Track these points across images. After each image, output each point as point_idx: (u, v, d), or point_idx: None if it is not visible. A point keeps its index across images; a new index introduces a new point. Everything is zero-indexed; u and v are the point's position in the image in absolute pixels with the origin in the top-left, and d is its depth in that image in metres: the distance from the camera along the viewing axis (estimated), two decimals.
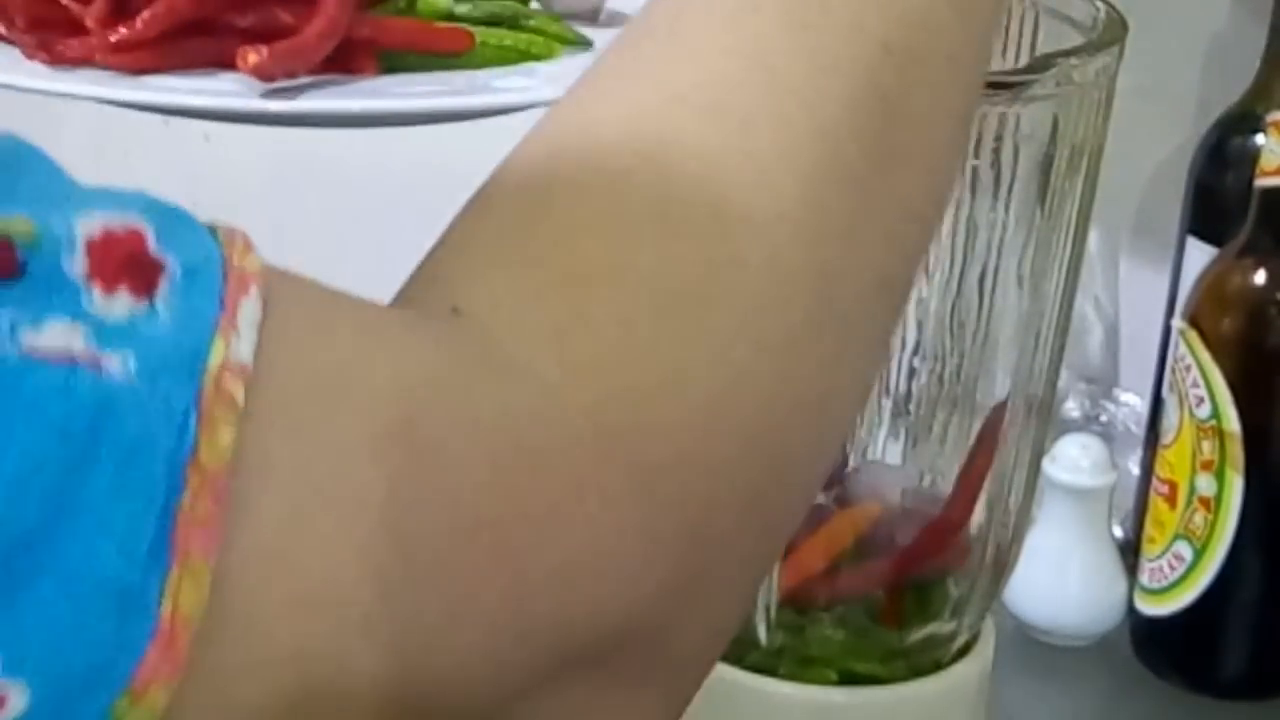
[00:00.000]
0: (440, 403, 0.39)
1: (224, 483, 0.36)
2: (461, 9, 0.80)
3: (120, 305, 0.35)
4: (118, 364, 0.35)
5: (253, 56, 0.70)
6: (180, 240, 0.37)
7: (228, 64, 0.71)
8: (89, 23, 0.73)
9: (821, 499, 0.79)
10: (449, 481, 0.38)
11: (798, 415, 0.43)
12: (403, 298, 0.43)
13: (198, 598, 0.35)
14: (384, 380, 0.39)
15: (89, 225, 0.36)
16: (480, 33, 0.78)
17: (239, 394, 0.36)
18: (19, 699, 0.34)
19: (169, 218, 0.37)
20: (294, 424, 0.37)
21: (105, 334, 0.35)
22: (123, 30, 0.73)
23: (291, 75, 0.72)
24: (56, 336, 0.34)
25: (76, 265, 0.35)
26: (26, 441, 0.34)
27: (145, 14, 0.73)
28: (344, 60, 0.74)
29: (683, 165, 0.42)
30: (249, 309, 0.37)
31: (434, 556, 0.38)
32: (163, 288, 0.36)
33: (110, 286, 0.35)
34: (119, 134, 1.42)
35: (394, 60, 0.76)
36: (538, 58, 0.78)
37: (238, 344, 0.36)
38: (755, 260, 0.41)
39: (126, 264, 0.36)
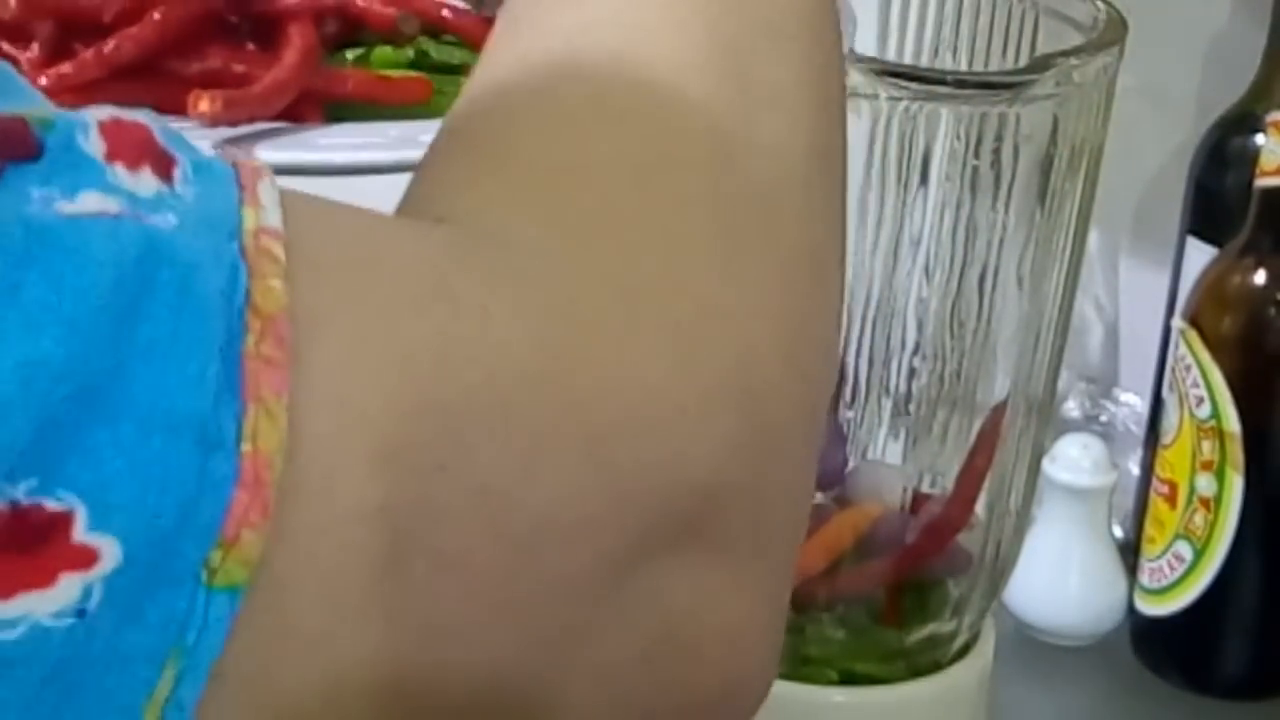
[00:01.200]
0: (470, 266, 0.40)
1: (285, 325, 0.36)
2: (423, 53, 0.79)
3: (146, 182, 0.36)
4: (159, 220, 0.35)
5: (205, 103, 0.69)
6: (179, 142, 0.38)
7: (166, 109, 0.70)
8: (23, 64, 0.72)
9: (821, 499, 0.79)
10: (497, 338, 0.39)
11: (801, 260, 0.45)
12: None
13: (277, 437, 0.35)
14: (410, 251, 0.40)
15: (99, 114, 0.36)
16: (440, 80, 0.77)
17: (279, 252, 0.36)
18: (111, 554, 0.33)
19: (167, 128, 0.38)
20: (335, 284, 0.38)
21: (140, 202, 0.35)
22: (63, 70, 0.72)
23: (239, 123, 0.71)
24: (91, 204, 0.35)
25: (95, 146, 0.36)
26: (79, 285, 0.33)
27: (86, 55, 0.72)
28: (290, 108, 0.73)
29: (631, 69, 0.45)
30: (268, 188, 0.37)
31: (496, 407, 0.38)
32: (179, 172, 0.37)
33: (133, 165, 0.36)
34: None
35: (341, 107, 0.75)
36: None
37: (266, 214, 0.37)
38: (698, 127, 0.44)
39: (143, 147, 0.36)
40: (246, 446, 0.35)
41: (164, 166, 0.37)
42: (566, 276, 0.41)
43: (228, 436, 0.35)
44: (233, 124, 0.71)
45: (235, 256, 0.36)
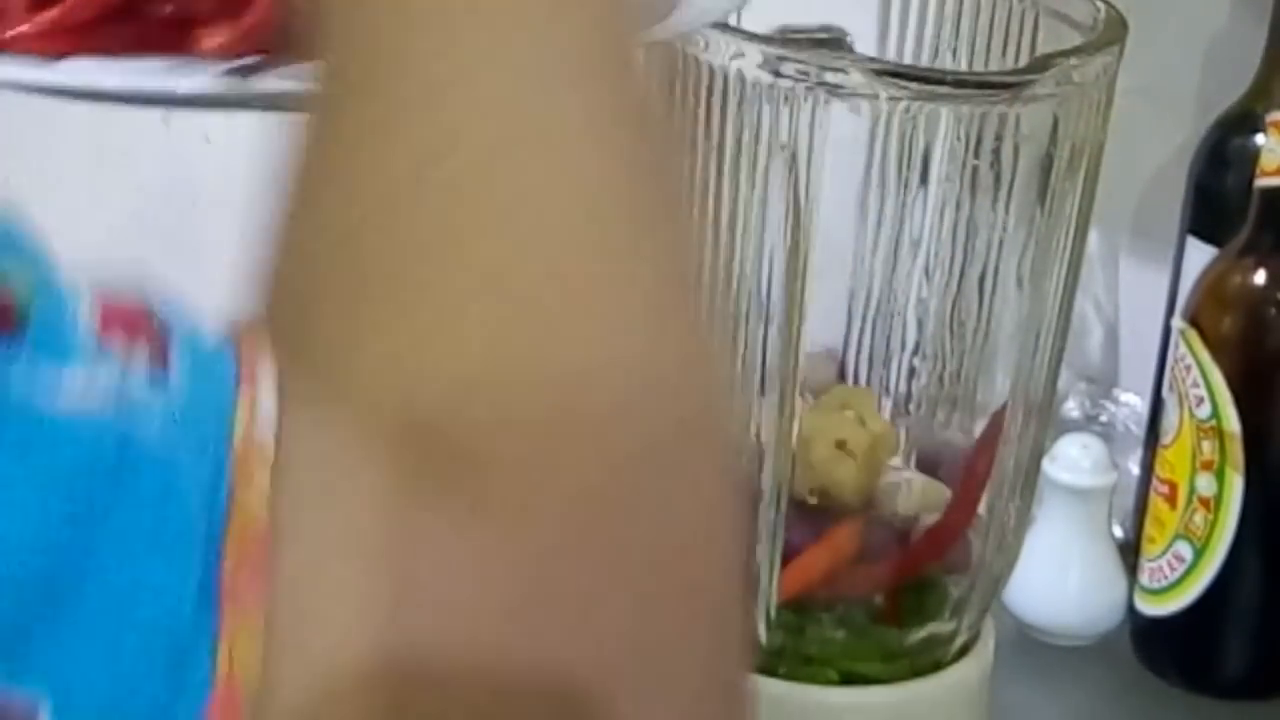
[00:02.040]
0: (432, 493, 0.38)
1: (262, 536, 0.35)
2: None
3: (139, 366, 0.35)
4: (146, 412, 0.35)
5: (211, 39, 0.68)
6: (180, 324, 0.37)
7: (165, 49, 0.67)
8: (9, 9, 0.71)
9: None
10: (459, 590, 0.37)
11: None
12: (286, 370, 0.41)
13: (253, 652, 0.35)
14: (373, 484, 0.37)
15: (96, 287, 0.36)
16: None
17: (267, 453, 0.35)
18: None
19: (171, 309, 0.37)
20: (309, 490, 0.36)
21: (128, 388, 0.35)
22: (50, 14, 0.71)
23: (245, 56, 0.69)
24: (76, 385, 0.34)
25: (87, 321, 0.35)
26: (57, 484, 0.33)
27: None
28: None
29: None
30: (268, 378, 0.36)
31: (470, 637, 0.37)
32: (175, 360, 0.36)
33: (126, 345, 0.35)
34: (119, 134, 1.42)
35: None
36: None
37: (260, 410, 0.36)
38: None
39: (138, 328, 0.36)
40: (223, 660, 0.34)
41: (159, 351, 0.36)
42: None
43: (203, 646, 0.34)
44: (239, 56, 0.69)
45: (221, 458, 0.35)
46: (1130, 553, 1.07)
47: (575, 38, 0.39)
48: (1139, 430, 1.17)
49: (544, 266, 0.38)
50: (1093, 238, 1.00)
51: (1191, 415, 1.00)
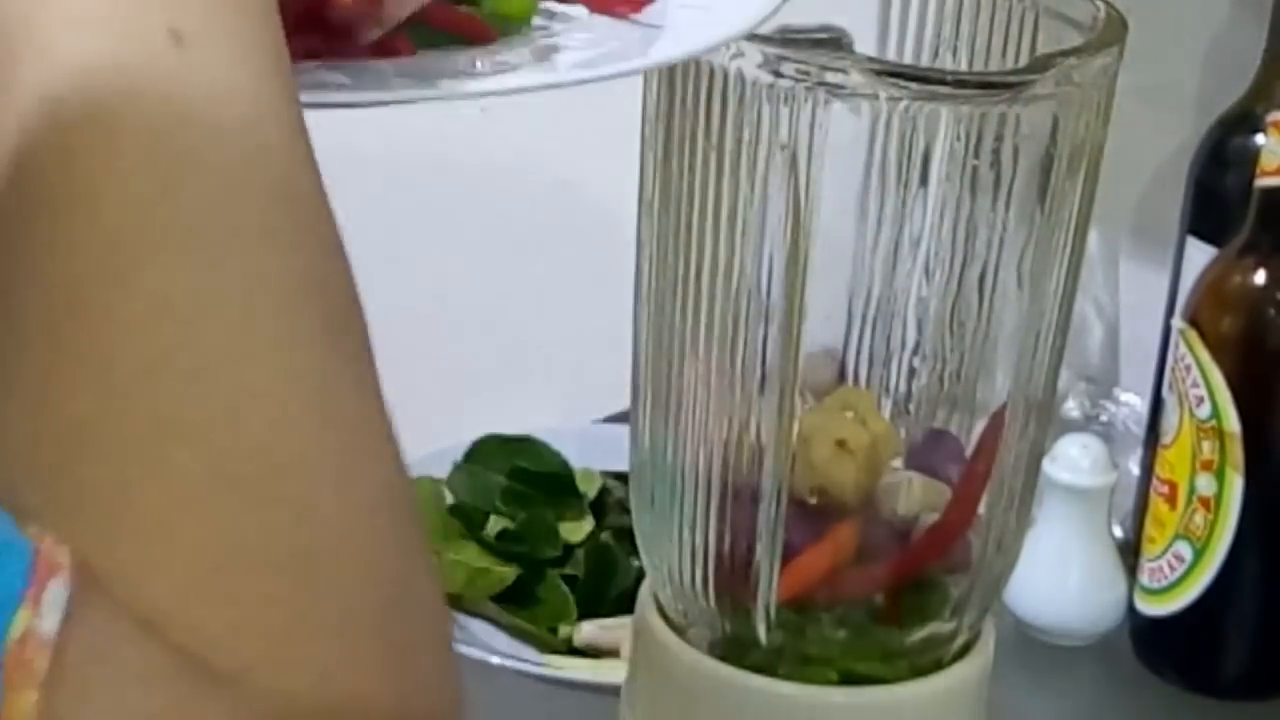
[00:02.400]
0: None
1: None
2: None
3: None
4: None
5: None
6: None
7: None
8: None
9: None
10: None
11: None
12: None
13: None
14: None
15: None
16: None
17: (41, 664, 0.36)
18: None
19: None
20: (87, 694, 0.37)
21: None
22: None
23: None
24: None
25: None
26: None
27: None
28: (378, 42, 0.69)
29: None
30: (58, 588, 0.37)
31: None
32: None
33: None
34: None
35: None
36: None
37: (41, 620, 0.37)
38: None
39: None
40: None
41: None
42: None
43: None
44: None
45: None
46: (1130, 553, 1.07)
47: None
48: (1139, 430, 1.17)
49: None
50: (1093, 238, 1.00)
51: (1191, 415, 1.00)
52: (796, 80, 0.69)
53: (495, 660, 1.00)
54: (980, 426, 0.78)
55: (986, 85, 0.73)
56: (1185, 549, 1.01)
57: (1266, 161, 0.98)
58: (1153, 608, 1.04)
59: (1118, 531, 1.09)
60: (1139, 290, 1.23)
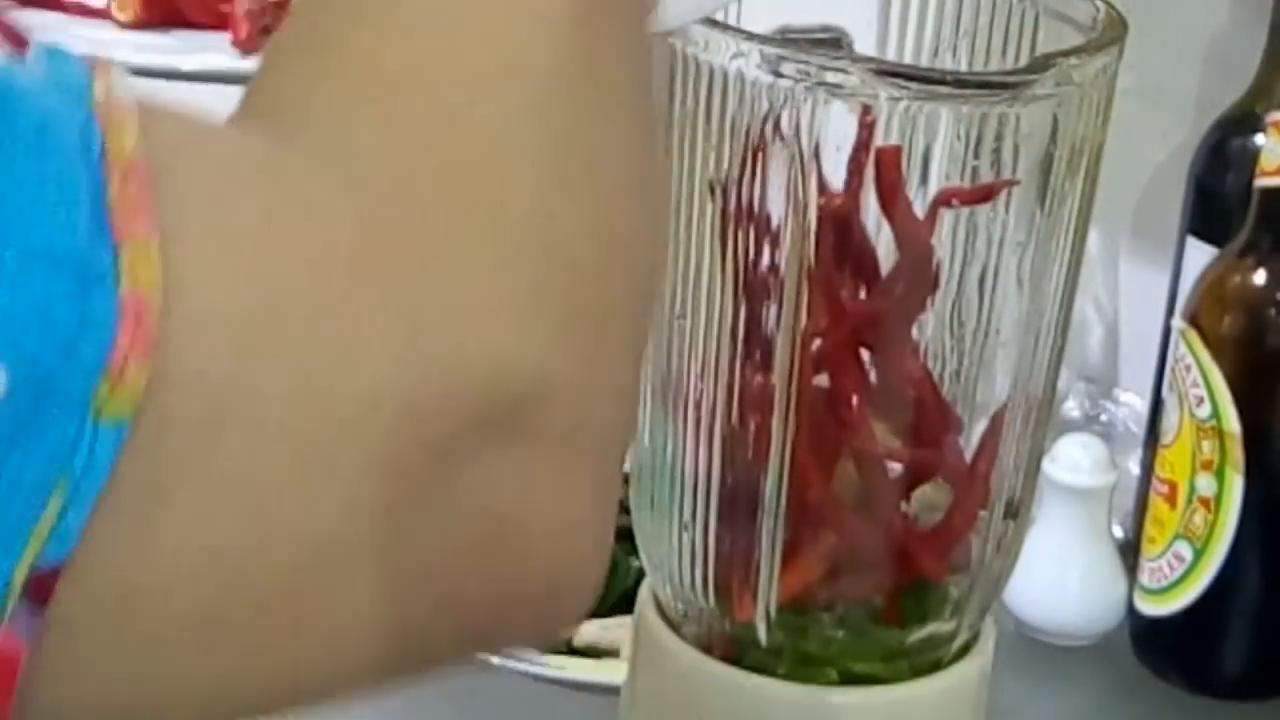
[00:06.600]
0: (301, 161, 0.42)
1: (144, 170, 0.37)
2: None
3: None
4: (13, 72, 0.36)
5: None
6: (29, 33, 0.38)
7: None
8: None
9: None
10: (322, 224, 0.40)
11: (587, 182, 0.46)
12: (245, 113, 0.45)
13: (154, 277, 0.36)
14: (241, 143, 0.42)
15: None
16: None
17: (132, 111, 0.38)
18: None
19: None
20: (184, 148, 0.39)
21: None
22: None
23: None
24: None
25: None
26: None
27: None
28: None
29: None
30: (119, 71, 0.38)
31: (316, 291, 0.40)
32: (31, 50, 0.37)
33: None
34: None
35: None
36: None
37: (116, 85, 0.38)
38: (540, 39, 0.45)
39: None
40: (127, 285, 0.36)
41: (16, 41, 0.37)
42: (397, 181, 0.42)
43: (106, 275, 0.35)
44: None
45: (88, 117, 0.37)
46: (1130, 553, 1.07)
47: None
48: (1139, 430, 1.17)
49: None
50: (1093, 238, 1.00)
51: (1191, 415, 1.00)
52: (796, 80, 0.69)
53: (495, 660, 1.00)
54: (980, 427, 0.78)
55: (986, 85, 0.73)
56: (1185, 549, 1.01)
57: (1266, 161, 0.98)
58: (1153, 608, 1.04)
59: (1118, 531, 1.09)
60: (1139, 290, 1.23)
